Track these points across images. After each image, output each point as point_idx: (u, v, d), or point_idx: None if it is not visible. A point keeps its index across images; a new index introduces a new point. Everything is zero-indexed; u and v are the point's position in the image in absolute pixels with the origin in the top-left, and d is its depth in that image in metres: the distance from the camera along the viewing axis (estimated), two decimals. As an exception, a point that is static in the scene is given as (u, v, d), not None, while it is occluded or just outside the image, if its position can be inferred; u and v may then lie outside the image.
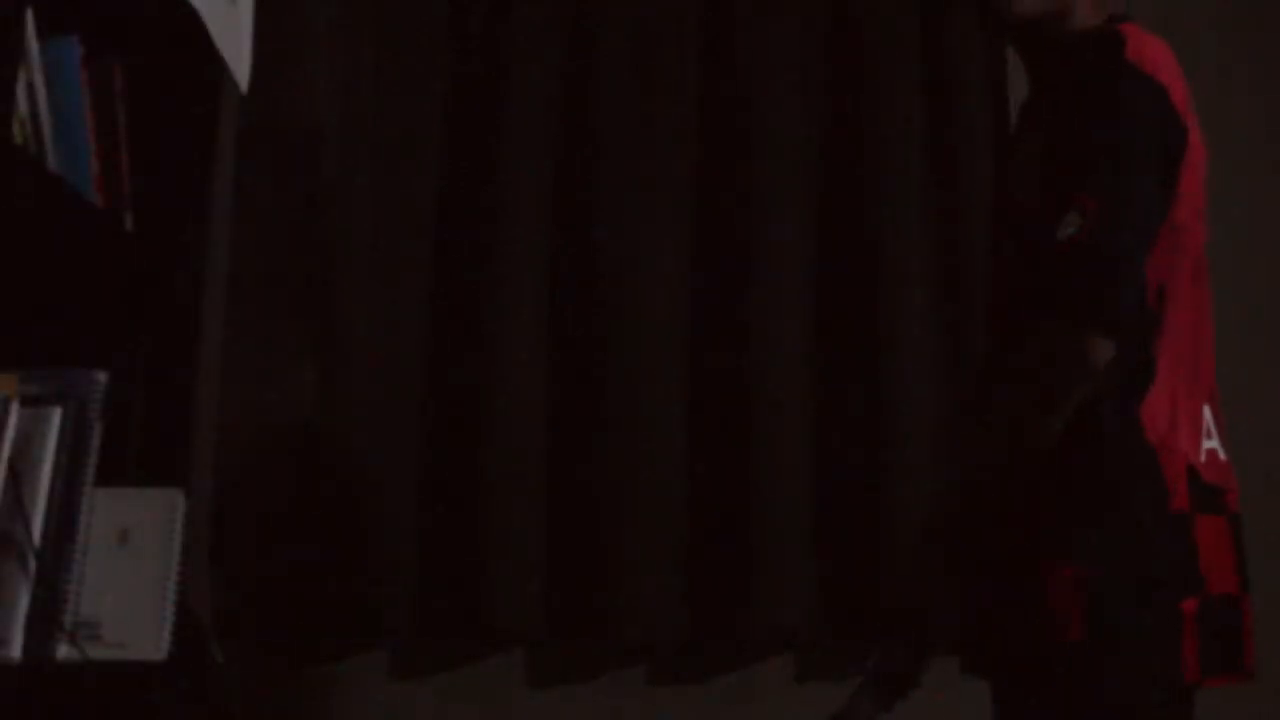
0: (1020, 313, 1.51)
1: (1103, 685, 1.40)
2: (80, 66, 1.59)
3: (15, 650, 1.37)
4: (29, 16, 1.47)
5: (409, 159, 2.47)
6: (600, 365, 2.44)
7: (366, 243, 2.43)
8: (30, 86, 1.50)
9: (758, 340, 2.45)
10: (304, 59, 2.43)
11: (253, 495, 2.30)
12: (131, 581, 1.52)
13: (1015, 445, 1.45)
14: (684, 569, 2.38)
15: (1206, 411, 1.52)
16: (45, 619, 1.40)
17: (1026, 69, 1.63)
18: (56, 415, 1.43)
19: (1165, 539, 1.43)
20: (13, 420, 1.39)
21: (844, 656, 2.44)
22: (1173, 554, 1.43)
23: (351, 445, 2.35)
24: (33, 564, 1.38)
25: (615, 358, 2.43)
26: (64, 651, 1.43)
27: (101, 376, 1.49)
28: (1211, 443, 1.51)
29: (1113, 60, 1.44)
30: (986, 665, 1.57)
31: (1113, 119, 1.42)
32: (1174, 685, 1.42)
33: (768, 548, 2.37)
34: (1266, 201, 2.62)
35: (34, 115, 1.51)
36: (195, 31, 1.68)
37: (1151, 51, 1.46)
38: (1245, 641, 1.48)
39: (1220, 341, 1.57)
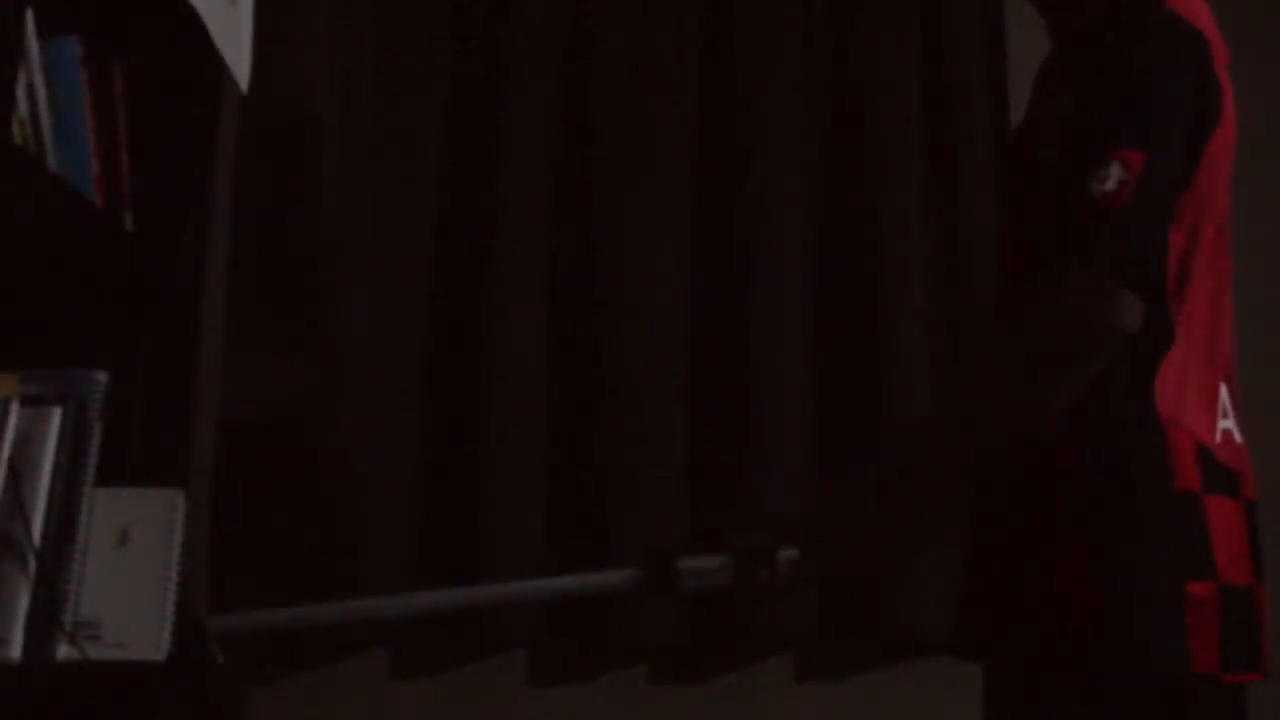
0: (1034, 279, 1.43)
1: (1103, 673, 1.35)
2: (80, 66, 1.59)
3: (15, 650, 1.37)
4: (29, 16, 1.47)
5: (409, 159, 2.47)
6: (600, 365, 2.44)
7: (366, 242, 2.43)
8: (30, 86, 1.50)
9: (758, 340, 2.45)
10: (304, 59, 2.43)
11: (253, 495, 2.30)
12: (131, 581, 1.52)
13: (1012, 422, 1.38)
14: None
15: (1223, 389, 1.45)
16: (45, 619, 1.40)
17: (1052, 29, 1.59)
18: (56, 415, 1.43)
19: (1168, 518, 1.37)
20: (13, 420, 1.39)
21: (844, 656, 2.44)
22: (1176, 534, 1.37)
23: (352, 445, 2.35)
24: (33, 564, 1.38)
25: (615, 358, 2.43)
26: (64, 651, 1.43)
27: (101, 376, 1.49)
28: (1228, 423, 1.45)
29: (1155, 9, 1.40)
30: (982, 651, 1.53)
31: (1152, 69, 1.38)
32: (1178, 674, 1.35)
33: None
34: (1267, 202, 2.62)
35: (34, 115, 1.51)
36: (195, 31, 1.68)
37: (1194, 4, 1.43)
38: (1260, 637, 1.42)
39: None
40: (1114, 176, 1.32)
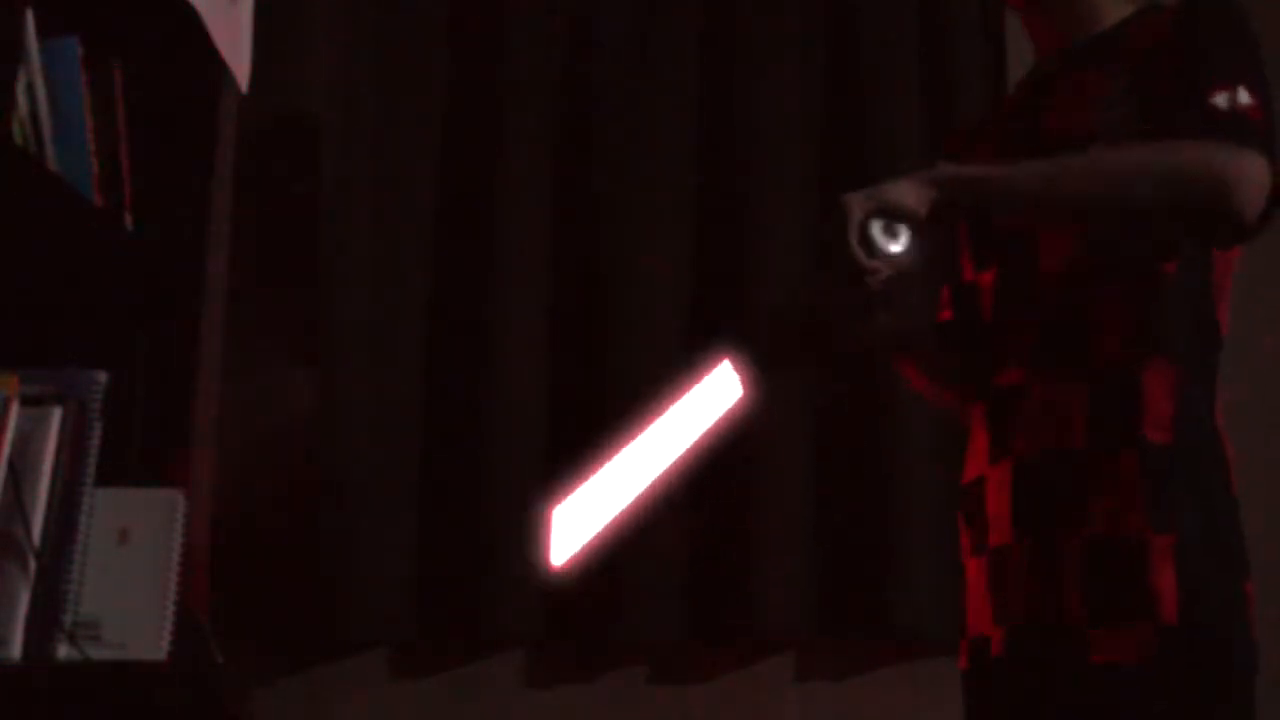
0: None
1: (1170, 675, 1.32)
2: (80, 66, 1.60)
3: (15, 650, 1.37)
4: (29, 16, 1.48)
5: (409, 159, 2.47)
6: (600, 365, 2.44)
7: (366, 243, 2.42)
8: (30, 86, 1.50)
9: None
10: (304, 59, 2.43)
11: (253, 495, 2.30)
12: (131, 581, 1.53)
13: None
14: (684, 569, 2.37)
15: None
16: (45, 619, 1.41)
17: (1048, 31, 1.58)
18: (56, 415, 1.44)
19: (1232, 519, 1.39)
20: (13, 420, 1.39)
21: (844, 656, 2.44)
22: (1239, 535, 1.39)
23: (351, 446, 2.35)
24: (33, 564, 1.38)
25: (616, 357, 2.43)
26: (64, 651, 1.43)
27: (101, 376, 1.49)
28: None
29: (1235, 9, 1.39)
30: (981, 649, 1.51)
31: (1246, 45, 1.36)
32: (1246, 673, 1.36)
33: (768, 548, 2.37)
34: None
35: (34, 115, 1.51)
36: (195, 31, 1.68)
37: None
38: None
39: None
40: (1244, 99, 1.28)
